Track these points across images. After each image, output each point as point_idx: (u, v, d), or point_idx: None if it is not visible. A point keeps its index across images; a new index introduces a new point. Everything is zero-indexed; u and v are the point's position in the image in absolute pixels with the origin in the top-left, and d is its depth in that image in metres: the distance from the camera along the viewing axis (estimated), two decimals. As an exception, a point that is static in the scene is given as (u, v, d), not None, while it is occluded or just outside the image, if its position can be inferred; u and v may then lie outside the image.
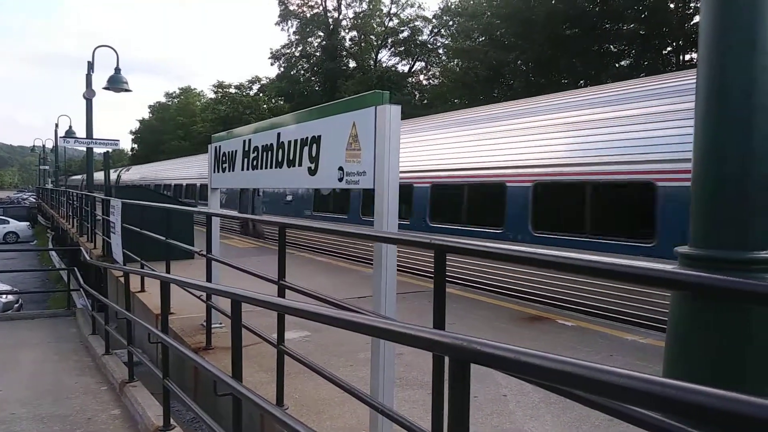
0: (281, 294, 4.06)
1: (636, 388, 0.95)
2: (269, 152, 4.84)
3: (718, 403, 0.91)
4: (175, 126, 68.68)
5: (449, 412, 1.53)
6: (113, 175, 39.44)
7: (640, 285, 5.45)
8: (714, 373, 1.99)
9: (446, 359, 1.58)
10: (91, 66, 16.37)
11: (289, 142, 4.46)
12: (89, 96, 16.24)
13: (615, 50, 28.94)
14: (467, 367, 1.46)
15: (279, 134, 4.66)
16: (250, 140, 5.33)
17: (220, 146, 6.23)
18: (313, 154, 4.08)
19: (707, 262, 2.00)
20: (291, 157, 4.43)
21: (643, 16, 26.19)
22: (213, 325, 5.99)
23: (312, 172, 4.11)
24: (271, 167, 4.83)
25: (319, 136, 4.02)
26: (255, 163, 5.19)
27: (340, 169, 3.73)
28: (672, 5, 25.12)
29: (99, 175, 25.88)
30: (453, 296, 8.26)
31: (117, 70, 15.87)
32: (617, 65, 28.18)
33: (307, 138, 4.17)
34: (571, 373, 1.05)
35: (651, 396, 0.93)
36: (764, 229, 2.00)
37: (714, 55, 2.02)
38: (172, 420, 5.11)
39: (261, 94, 60.21)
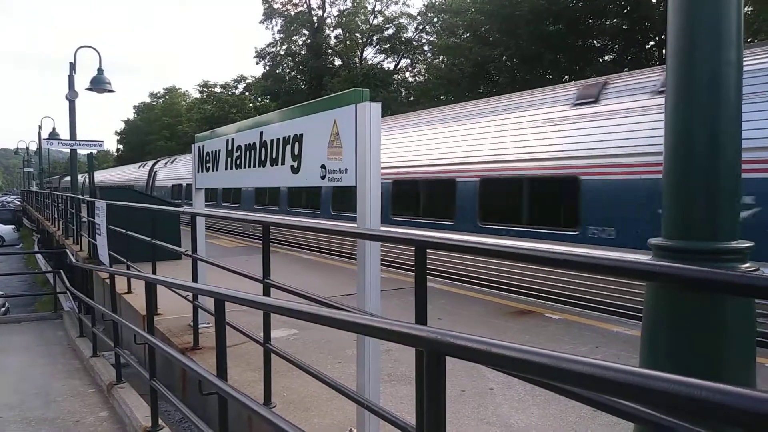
0: (266, 292, 4.07)
1: (595, 375, 0.99)
2: (252, 151, 4.84)
3: (686, 390, 0.93)
4: (161, 126, 68.30)
5: (426, 405, 1.56)
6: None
7: (614, 276, 5.59)
8: (689, 362, 2.03)
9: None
10: (73, 67, 16.25)
11: (272, 140, 4.46)
12: (72, 97, 16.12)
13: (599, 45, 29.12)
14: (442, 360, 1.49)
15: (261, 133, 4.67)
16: (233, 139, 5.33)
17: (203, 146, 6.22)
18: (296, 152, 4.09)
19: (679, 253, 2.04)
20: (274, 156, 4.44)
21: (625, 11, 26.36)
22: (200, 325, 5.99)
23: (295, 170, 4.12)
24: (254, 166, 4.83)
25: (302, 135, 4.03)
26: (238, 162, 5.19)
27: (323, 167, 3.75)
28: (654, 0, 25.31)
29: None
30: (441, 292, 8.31)
31: (99, 70, 15.76)
32: (601, 60, 28.34)
33: (289, 136, 4.18)
34: (536, 362, 1.08)
35: (609, 382, 0.96)
36: (733, 220, 2.05)
37: (681, 51, 2.06)
38: (160, 420, 5.12)
39: (247, 94, 60.00)
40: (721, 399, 0.89)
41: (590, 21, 27.66)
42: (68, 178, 21.87)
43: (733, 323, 1.98)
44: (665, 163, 2.13)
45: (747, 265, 2.03)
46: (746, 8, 24.09)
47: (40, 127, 36.94)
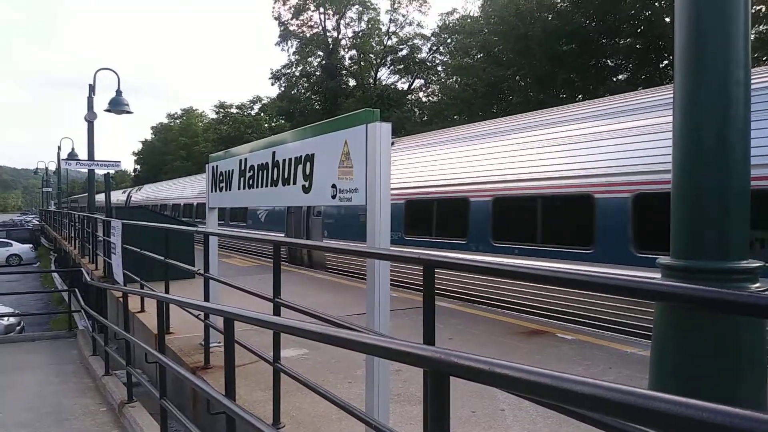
0: (276, 312, 4.07)
1: (597, 395, 0.98)
2: (265, 171, 4.88)
3: (687, 412, 0.91)
4: (178, 146, 69.09)
5: (430, 425, 1.55)
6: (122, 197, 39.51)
7: (623, 296, 5.50)
8: (698, 383, 2.00)
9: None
10: (92, 89, 16.54)
11: (284, 160, 4.50)
12: (90, 118, 16.39)
13: (612, 64, 29.09)
14: (446, 380, 1.48)
15: (274, 153, 4.71)
16: (246, 159, 5.38)
17: (217, 166, 6.28)
18: (307, 172, 4.12)
19: (689, 273, 2.02)
20: (286, 176, 4.47)
21: (639, 30, 26.36)
22: (211, 344, 5.99)
23: (306, 190, 4.14)
24: (266, 186, 4.87)
25: (313, 155, 4.06)
26: (251, 182, 5.23)
27: (333, 186, 3.77)
28: (668, 19, 25.29)
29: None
30: (454, 311, 8.26)
31: (118, 92, 16.03)
32: (615, 79, 28.31)
33: (301, 156, 4.22)
34: (537, 382, 1.07)
35: (611, 403, 0.95)
36: (743, 239, 2.02)
37: (689, 69, 2.06)
38: (170, 440, 5.11)
39: (262, 114, 60.63)
40: (723, 421, 0.88)
41: (603, 41, 27.67)
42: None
43: (743, 344, 1.95)
44: (673, 181, 2.12)
45: (757, 285, 2.00)
46: (761, 27, 24.04)
47: (59, 148, 37.48)
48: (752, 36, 22.85)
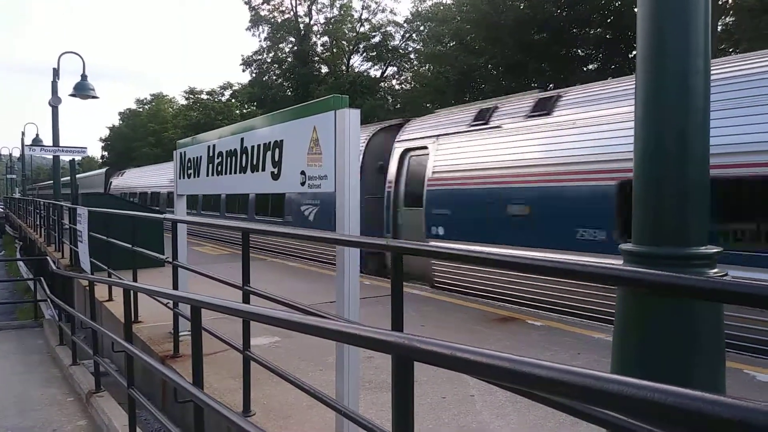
0: (246, 299, 4.05)
1: (554, 378, 0.99)
2: (233, 157, 4.83)
3: (639, 393, 0.93)
4: (147, 133, 67.85)
5: (394, 410, 1.56)
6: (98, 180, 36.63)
7: (585, 281, 5.43)
8: (658, 367, 2.05)
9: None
10: (56, 73, 16.15)
11: (253, 147, 4.46)
12: (55, 103, 16.01)
13: (582, 54, 29.40)
14: (410, 365, 1.49)
15: (242, 139, 4.66)
16: (214, 146, 5.31)
17: (185, 152, 6.19)
18: (276, 158, 4.09)
19: (649, 259, 2.07)
20: (254, 162, 4.43)
21: (608, 21, 26.68)
22: (181, 333, 5.94)
23: (275, 176, 4.12)
24: (235, 172, 4.82)
25: (282, 141, 4.03)
26: (219, 168, 5.18)
27: (302, 173, 3.75)
28: (636, 10, 25.57)
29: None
30: (428, 299, 8.32)
31: (83, 76, 15.67)
32: (585, 69, 28.62)
33: (269, 143, 4.18)
34: (498, 366, 1.09)
35: (567, 385, 0.97)
36: (701, 226, 2.08)
37: (650, 59, 2.10)
38: (138, 429, 5.06)
39: (233, 100, 59.86)
40: (675, 402, 0.90)
41: (574, 30, 27.93)
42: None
43: (701, 328, 2.00)
44: (635, 169, 2.16)
45: (715, 270, 2.05)
46: (727, 18, 24.50)
47: (23, 134, 36.55)
48: (719, 27, 23.28)
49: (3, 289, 24.11)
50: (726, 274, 2.03)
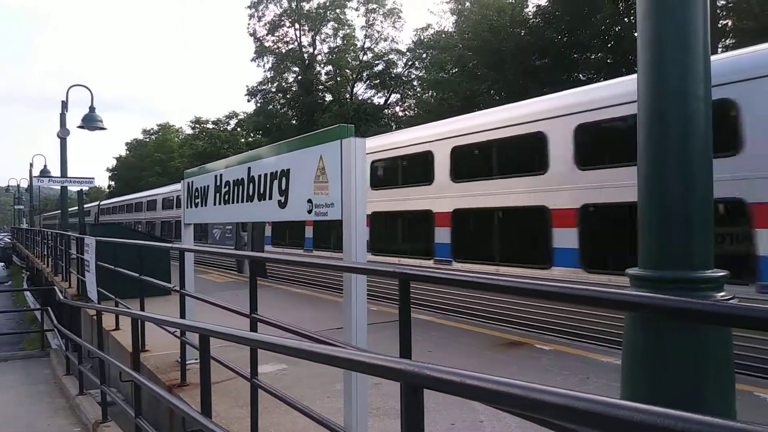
0: (253, 327, 4.05)
1: (567, 405, 1.00)
2: (240, 186, 4.88)
3: (650, 419, 0.94)
4: (153, 162, 68.45)
5: (404, 437, 1.56)
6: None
7: (593, 307, 5.46)
8: (667, 392, 2.04)
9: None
10: (65, 105, 16.36)
11: (260, 176, 4.51)
12: (63, 135, 16.20)
13: (584, 78, 29.60)
14: (420, 392, 1.50)
15: (249, 168, 4.71)
16: (221, 175, 5.37)
17: (192, 182, 6.25)
18: (283, 187, 4.13)
19: (656, 283, 2.07)
20: (261, 191, 4.48)
21: (609, 45, 26.93)
22: (188, 362, 5.92)
23: (282, 205, 4.15)
24: (242, 201, 4.86)
25: (288, 170, 4.07)
26: (227, 197, 5.22)
27: (309, 201, 3.78)
28: (636, 34, 25.82)
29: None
30: (435, 325, 8.28)
31: (92, 108, 15.87)
32: (587, 93, 28.76)
33: (276, 172, 4.23)
34: (508, 392, 1.10)
35: (577, 411, 0.98)
36: (706, 250, 2.08)
37: (651, 84, 2.13)
38: (146, 460, 5.02)
39: (239, 129, 60.37)
40: (686, 427, 0.90)
41: (575, 55, 28.18)
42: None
43: (709, 352, 2.00)
44: (639, 195, 2.18)
45: (722, 293, 2.06)
46: (727, 41, 24.69)
47: (31, 165, 36.92)
48: (719, 50, 23.45)
49: (9, 320, 24.11)
50: (733, 297, 2.03)
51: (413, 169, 10.72)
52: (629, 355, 2.15)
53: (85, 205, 28.02)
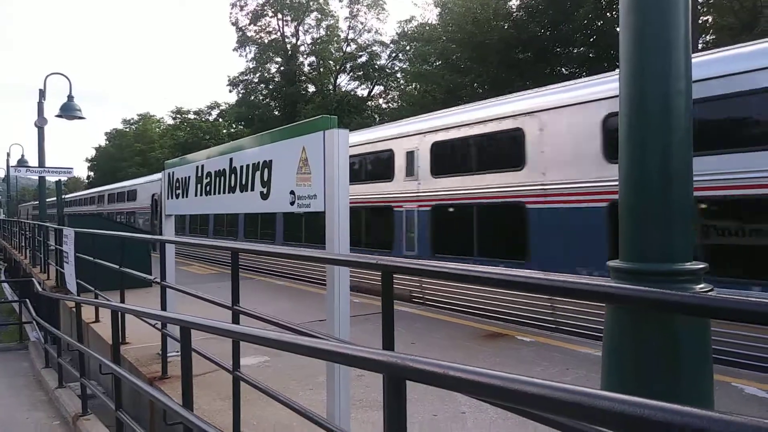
0: (235, 319, 4.03)
1: (546, 395, 1.01)
2: (222, 177, 4.84)
3: (629, 409, 0.95)
4: (133, 153, 67.77)
5: (387, 429, 1.56)
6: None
7: (573, 298, 5.50)
8: (647, 382, 2.07)
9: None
10: (42, 94, 16.09)
11: (242, 167, 4.48)
12: (41, 124, 15.94)
13: (567, 72, 29.78)
14: (403, 384, 1.50)
15: (231, 159, 4.68)
16: (203, 166, 5.32)
17: (173, 172, 6.19)
18: (265, 178, 4.11)
19: (636, 275, 2.10)
20: (243, 182, 4.44)
21: (591, 40, 27.12)
22: (169, 354, 5.88)
23: (264, 196, 4.13)
24: (224, 192, 4.83)
25: (271, 161, 4.05)
26: (208, 188, 5.18)
27: (292, 192, 3.77)
28: (618, 29, 26.02)
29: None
30: (418, 317, 8.31)
31: (70, 97, 15.61)
32: (569, 86, 28.94)
33: (258, 163, 4.20)
34: (489, 384, 1.11)
35: (558, 402, 0.99)
36: (685, 243, 2.11)
37: (633, 79, 2.15)
38: (126, 453, 4.99)
39: (221, 120, 59.92)
40: (665, 417, 0.92)
41: (558, 49, 28.34)
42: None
43: (688, 342, 2.02)
44: (621, 188, 2.20)
45: (701, 285, 2.08)
46: (708, 37, 24.97)
47: (8, 155, 36.29)
48: (700, 46, 23.71)
49: (-14, 312, 23.76)
50: (712, 289, 2.06)
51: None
52: (610, 346, 2.18)
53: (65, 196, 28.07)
